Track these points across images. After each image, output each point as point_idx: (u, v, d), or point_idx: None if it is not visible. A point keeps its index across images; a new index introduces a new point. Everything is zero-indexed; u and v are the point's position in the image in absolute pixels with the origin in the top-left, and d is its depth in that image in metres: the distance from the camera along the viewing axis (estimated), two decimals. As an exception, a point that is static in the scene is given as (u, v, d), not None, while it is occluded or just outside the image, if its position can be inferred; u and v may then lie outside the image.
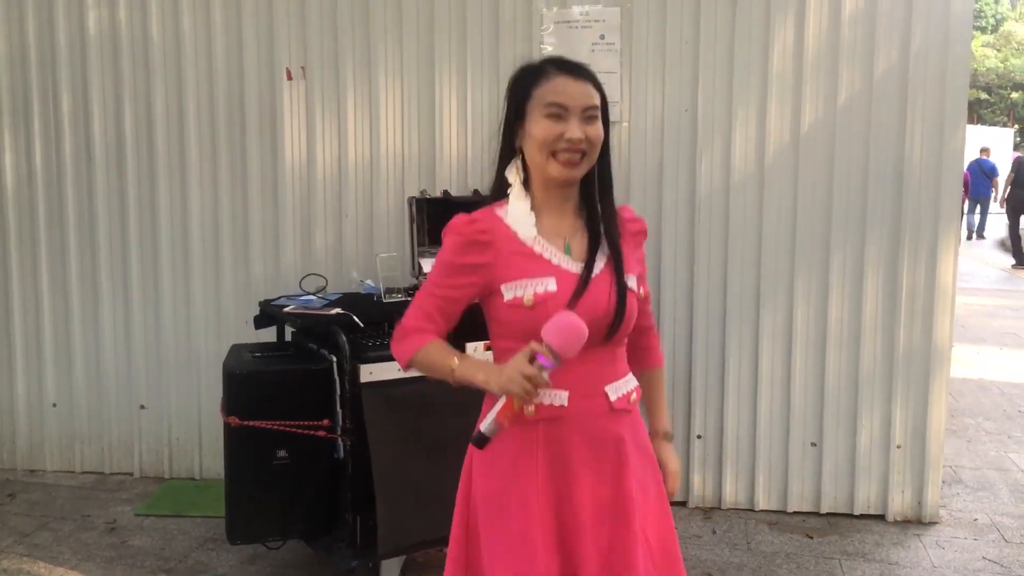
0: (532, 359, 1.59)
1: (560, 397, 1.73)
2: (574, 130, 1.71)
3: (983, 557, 3.58)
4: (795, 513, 3.97)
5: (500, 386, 1.62)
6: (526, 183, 1.79)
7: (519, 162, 1.79)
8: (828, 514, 3.95)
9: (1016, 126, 34.24)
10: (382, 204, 4.13)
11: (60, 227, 4.37)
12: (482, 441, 1.65)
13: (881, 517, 3.92)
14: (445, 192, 3.91)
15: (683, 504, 4.06)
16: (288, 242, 4.19)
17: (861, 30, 3.77)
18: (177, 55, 4.19)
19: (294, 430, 3.07)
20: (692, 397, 4.02)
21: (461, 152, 4.07)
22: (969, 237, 18.34)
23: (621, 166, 3.87)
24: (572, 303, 1.69)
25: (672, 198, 3.93)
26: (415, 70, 4.07)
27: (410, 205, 3.75)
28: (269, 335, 3.70)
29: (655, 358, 2.04)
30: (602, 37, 3.91)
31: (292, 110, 4.15)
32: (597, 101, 1.74)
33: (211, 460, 4.29)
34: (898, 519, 3.90)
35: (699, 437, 4.04)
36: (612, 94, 3.85)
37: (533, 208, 1.78)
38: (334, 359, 3.14)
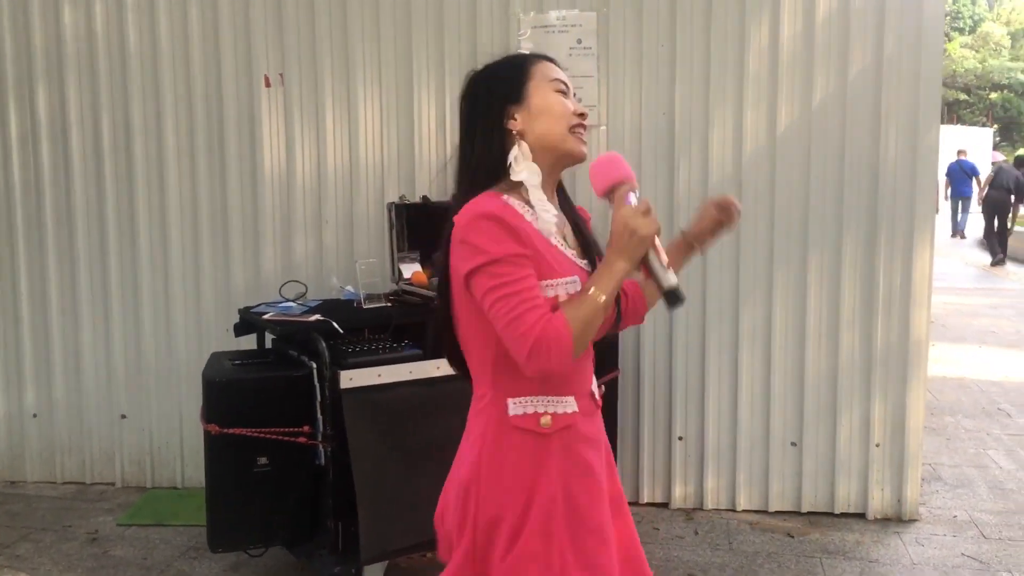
0: (623, 203, 1.54)
1: (571, 404, 1.67)
2: (580, 106, 1.70)
3: (962, 554, 3.61)
4: (776, 513, 4.00)
5: (637, 247, 1.52)
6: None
7: (522, 145, 1.65)
8: (809, 513, 3.98)
9: (995, 126, 34.57)
10: (362, 210, 4.14)
11: (39, 237, 4.35)
12: (678, 296, 1.53)
13: (861, 515, 3.94)
14: (424, 198, 3.92)
15: (665, 506, 4.07)
16: (268, 249, 4.19)
17: (835, 32, 3.81)
18: (154, 63, 4.18)
19: (275, 437, 3.07)
20: (673, 399, 4.04)
21: (440, 157, 4.07)
22: (953, 235, 18.54)
23: (599, 169, 3.88)
24: None
25: (651, 201, 3.93)
26: (393, 76, 4.08)
27: (390, 211, 3.76)
28: (250, 343, 3.70)
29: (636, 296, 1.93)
30: (579, 41, 3.93)
31: (270, 117, 4.15)
32: None
33: (193, 469, 4.28)
34: (878, 517, 3.93)
35: (680, 439, 4.05)
36: (590, 98, 3.89)
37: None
38: (314, 366, 3.13)
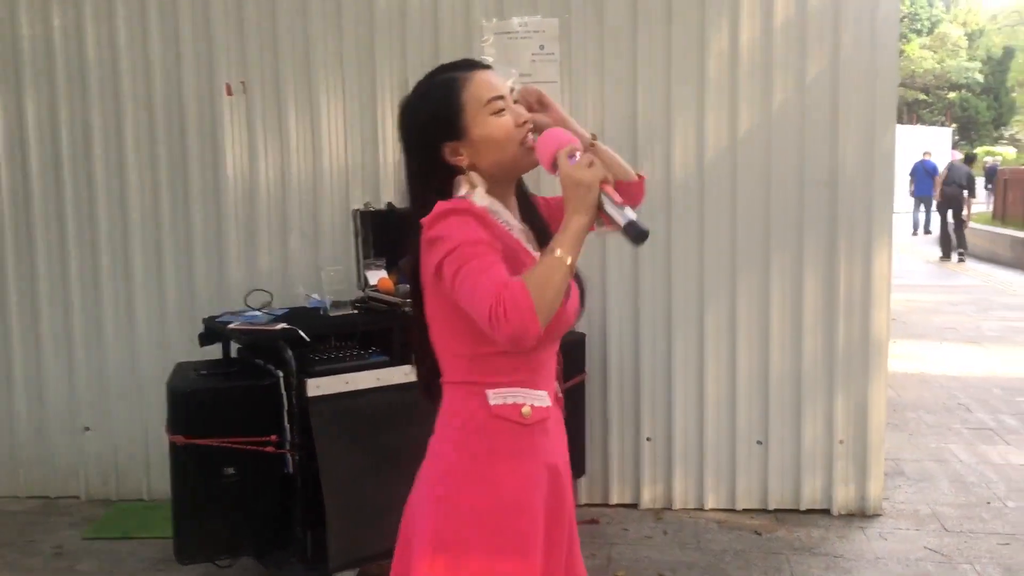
0: (567, 165, 1.56)
1: (543, 398, 1.71)
2: (521, 112, 1.70)
3: (925, 547, 3.67)
4: (744, 511, 4.04)
5: (587, 197, 1.53)
6: None
7: (472, 176, 1.68)
8: (775, 510, 4.03)
9: (954, 125, 35.17)
10: (326, 217, 4.13)
11: (-3, 248, 4.29)
12: (640, 228, 1.51)
13: (827, 511, 4.00)
14: (389, 204, 3.92)
15: (635, 507, 4.10)
16: (232, 258, 4.16)
17: (792, 36, 3.87)
18: (114, 72, 4.14)
19: (242, 447, 3.06)
20: (640, 401, 4.07)
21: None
22: (914, 233, 18.85)
23: (564, 174, 3.91)
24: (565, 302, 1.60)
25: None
26: (356, 82, 4.08)
27: (355, 218, 3.75)
28: (215, 352, 3.67)
29: None
30: (541, 47, 3.96)
31: (233, 125, 4.12)
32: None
33: (159, 481, 4.22)
34: (843, 512, 3.99)
35: (648, 440, 4.09)
36: (552, 103, 3.90)
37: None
38: (281, 374, 3.12)
